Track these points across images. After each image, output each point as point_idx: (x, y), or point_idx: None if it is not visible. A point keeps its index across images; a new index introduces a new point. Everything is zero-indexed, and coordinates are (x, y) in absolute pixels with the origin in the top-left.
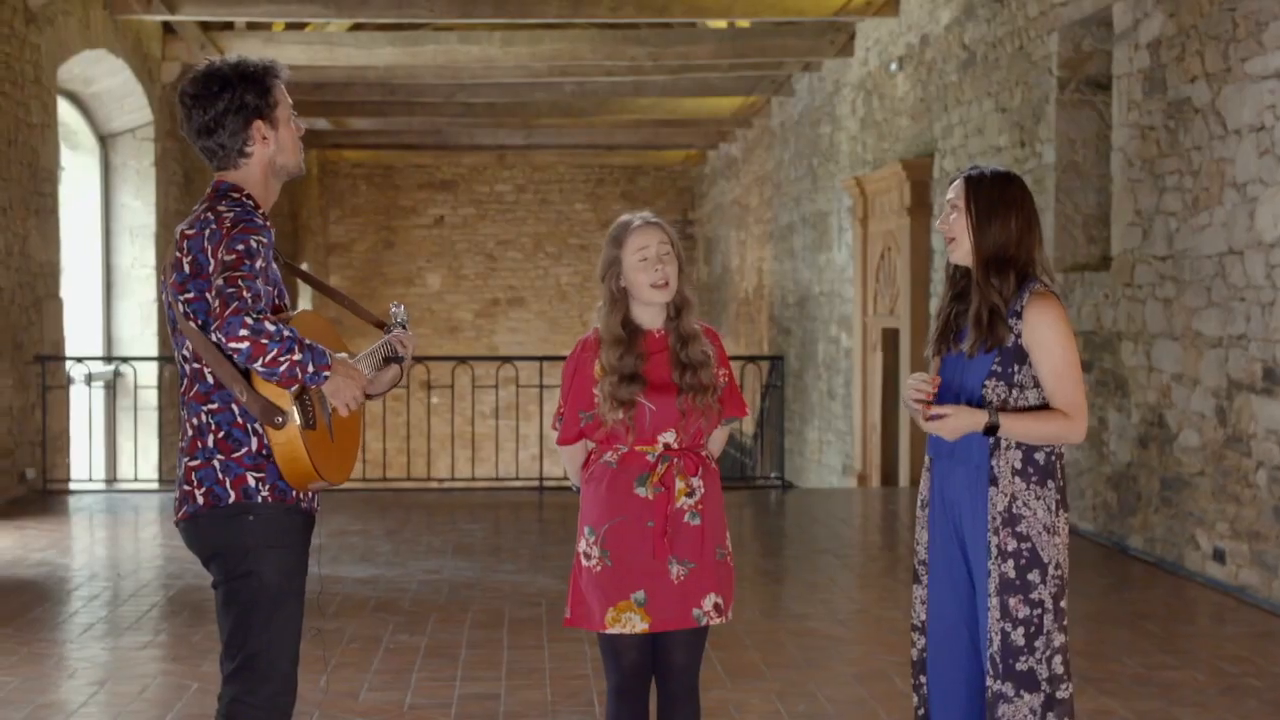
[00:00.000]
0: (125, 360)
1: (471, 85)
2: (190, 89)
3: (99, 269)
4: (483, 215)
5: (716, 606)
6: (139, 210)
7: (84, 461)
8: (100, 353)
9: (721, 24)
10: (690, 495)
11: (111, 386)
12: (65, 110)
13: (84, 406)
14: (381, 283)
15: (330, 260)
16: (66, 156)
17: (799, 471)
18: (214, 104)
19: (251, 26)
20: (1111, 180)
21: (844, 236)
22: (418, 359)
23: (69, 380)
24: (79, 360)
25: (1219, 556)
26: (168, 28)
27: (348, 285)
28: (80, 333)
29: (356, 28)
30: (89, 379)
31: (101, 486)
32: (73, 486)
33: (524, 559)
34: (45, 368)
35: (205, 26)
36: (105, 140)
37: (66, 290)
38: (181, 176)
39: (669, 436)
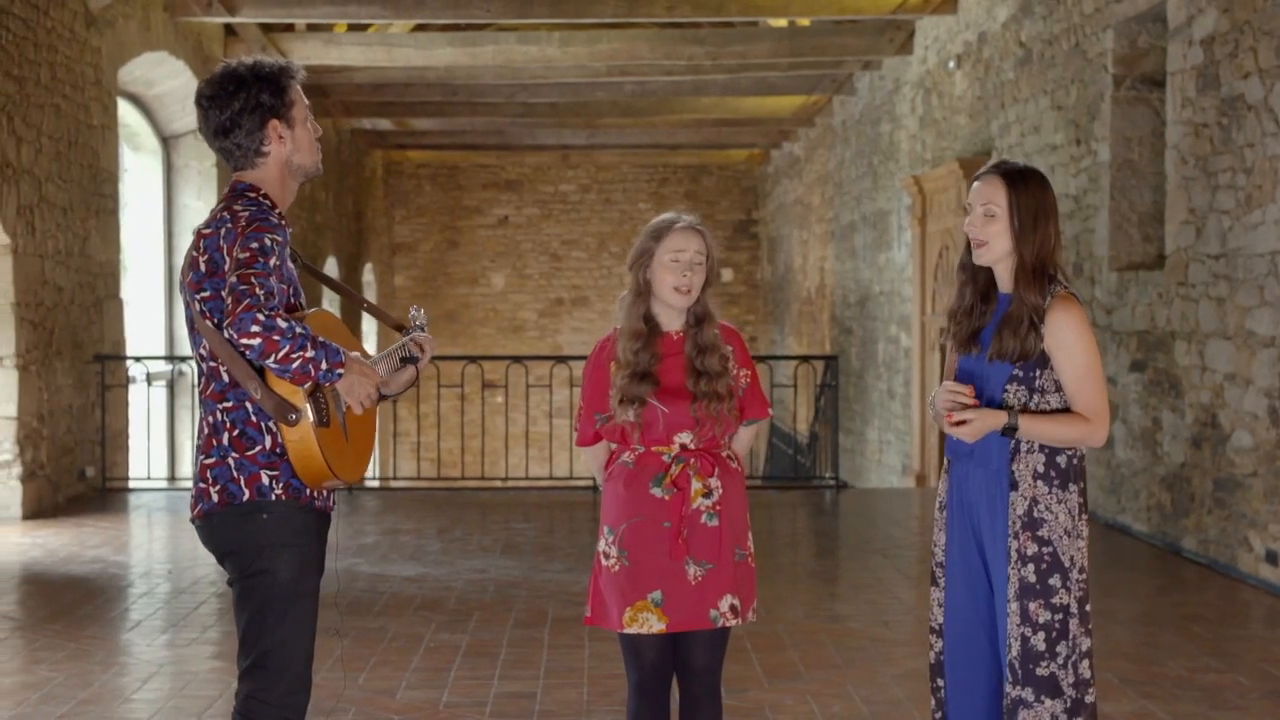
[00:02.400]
0: (185, 359)
1: (531, 85)
2: (207, 90)
3: (161, 269)
4: (547, 215)
5: (733, 608)
6: (200, 211)
7: (144, 460)
8: (163, 352)
9: (782, 23)
10: (708, 496)
11: (172, 386)
12: (127, 112)
13: (144, 405)
14: (446, 282)
15: (395, 260)
16: (129, 158)
17: (859, 471)
18: (230, 104)
19: (312, 28)
20: (1166, 178)
21: (903, 236)
22: (470, 358)
23: (129, 379)
24: (138, 359)
25: (1271, 559)
26: (229, 30)
27: (412, 285)
28: (143, 332)
29: (419, 29)
30: (149, 378)
31: (161, 485)
32: (132, 485)
33: (572, 558)
34: (105, 367)
35: (266, 28)
36: (167, 141)
37: (129, 290)
38: None
39: (685, 437)
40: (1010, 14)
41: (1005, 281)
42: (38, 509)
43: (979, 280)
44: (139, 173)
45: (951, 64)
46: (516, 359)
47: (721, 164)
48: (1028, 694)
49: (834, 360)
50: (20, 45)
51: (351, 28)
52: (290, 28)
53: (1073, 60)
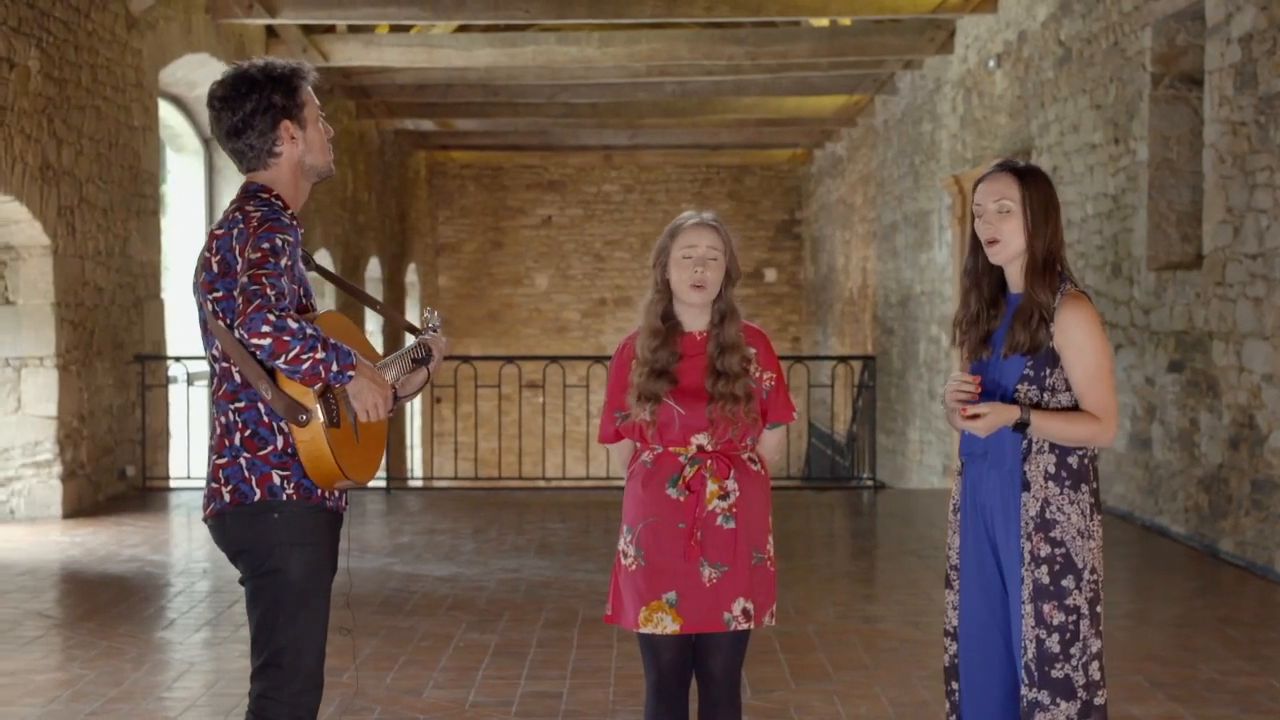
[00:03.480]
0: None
1: (573, 86)
2: (219, 91)
3: None
4: (590, 215)
5: (745, 612)
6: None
7: (184, 459)
8: (203, 353)
9: (824, 22)
10: (724, 498)
11: None
12: (170, 113)
13: (184, 405)
14: (489, 283)
15: (439, 260)
16: (171, 159)
17: (901, 472)
18: (242, 105)
19: (353, 29)
20: (1203, 177)
21: (944, 236)
22: (507, 358)
23: (169, 379)
24: (178, 359)
25: None
26: (271, 31)
27: (456, 285)
28: (183, 333)
29: (461, 29)
30: (189, 378)
31: (201, 484)
32: (172, 484)
33: (605, 558)
34: (145, 367)
35: (308, 30)
36: (209, 143)
37: (171, 291)
38: None
39: (702, 439)
40: (1050, 12)
41: (1016, 281)
42: (78, 508)
43: (984, 287)
44: (181, 174)
45: (992, 63)
46: (553, 359)
47: (764, 164)
48: (1044, 696)
49: (871, 360)
50: (61, 48)
51: (393, 29)
52: (331, 29)
53: (1111, 59)
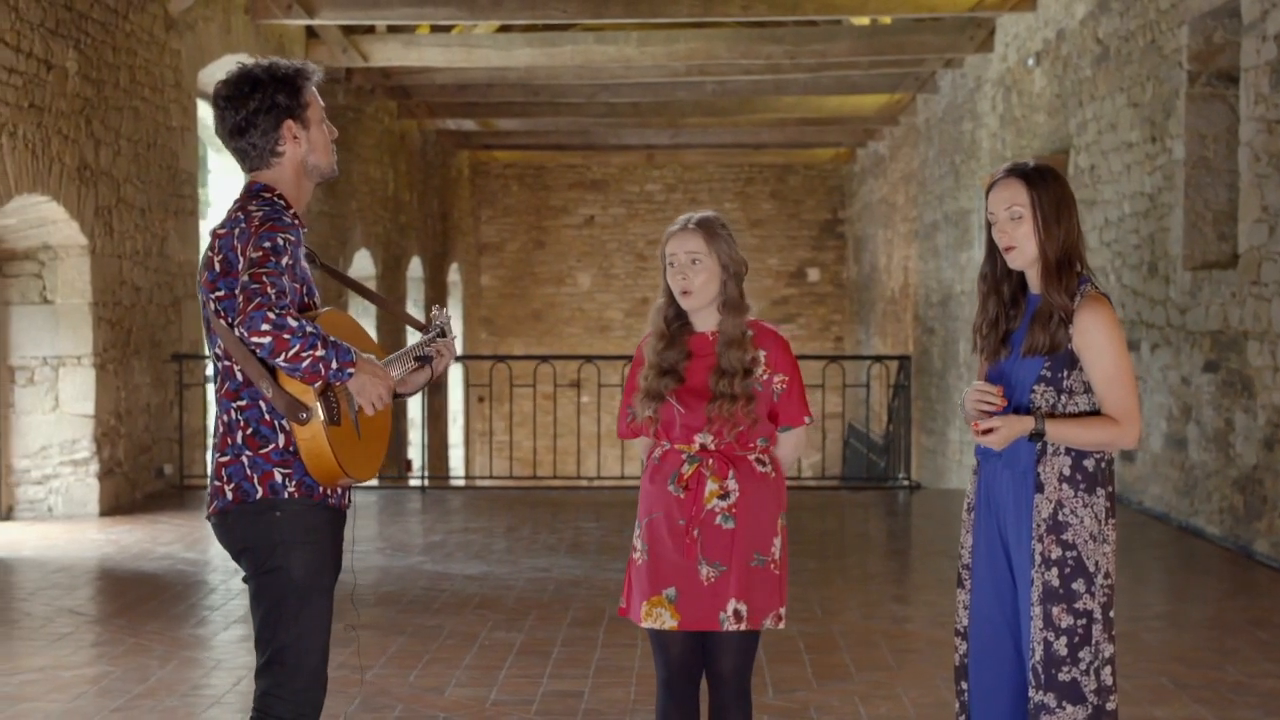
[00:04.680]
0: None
1: (612, 85)
2: (223, 90)
3: None
4: (633, 215)
5: (737, 613)
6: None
7: None
8: None
9: (864, 21)
10: (723, 498)
11: None
12: (210, 114)
13: None
14: (532, 282)
15: (482, 260)
16: (212, 159)
17: (941, 473)
18: (245, 104)
19: (393, 30)
20: (1239, 175)
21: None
22: (542, 358)
23: (206, 378)
24: None
25: None
26: (311, 32)
27: (499, 285)
28: None
29: (502, 30)
30: None
31: None
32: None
33: None
34: (183, 366)
35: (348, 30)
36: None
37: None
38: None
39: (705, 437)
40: (1088, 10)
41: (1036, 283)
42: (115, 505)
43: (1002, 290)
44: (222, 174)
45: (1031, 61)
46: (588, 358)
47: (807, 163)
48: (1050, 699)
49: (907, 360)
50: (99, 49)
51: (433, 29)
52: (371, 29)
53: (1148, 57)
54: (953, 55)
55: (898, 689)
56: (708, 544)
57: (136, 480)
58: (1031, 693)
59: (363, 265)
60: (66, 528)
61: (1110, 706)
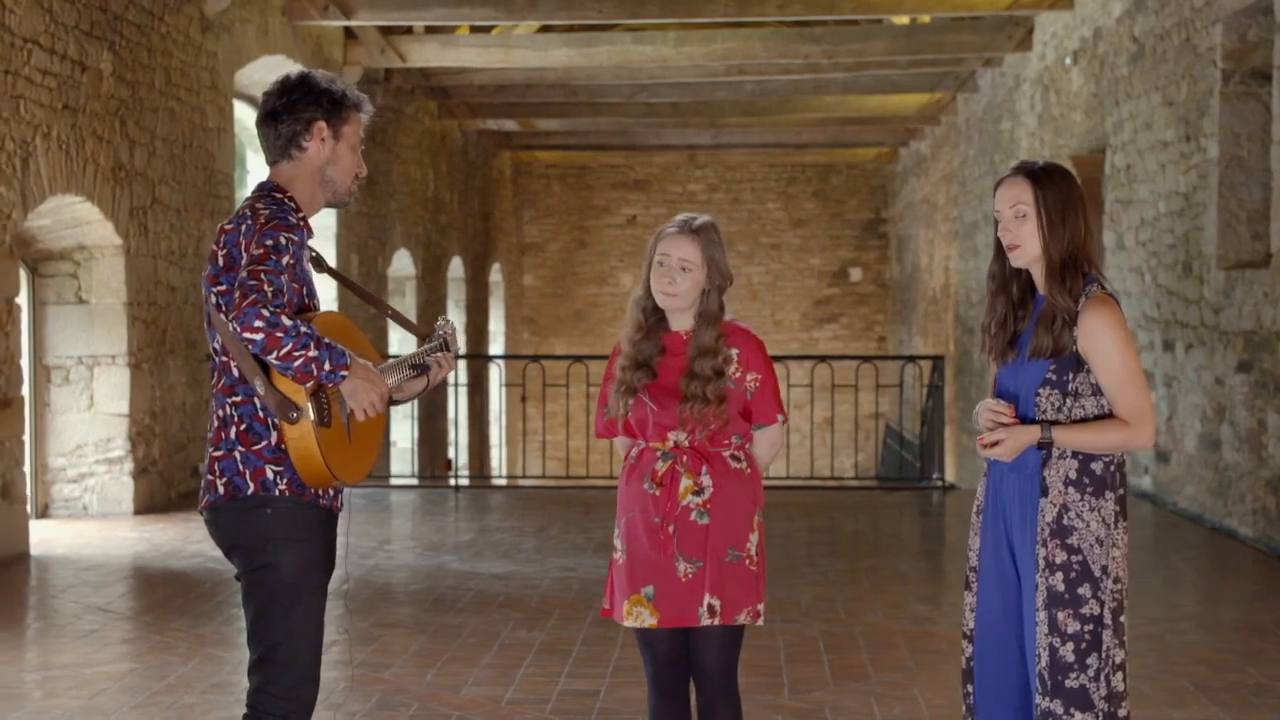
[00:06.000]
0: None
1: (651, 85)
2: (275, 84)
3: None
4: (675, 215)
5: (711, 609)
6: (321, 212)
7: None
8: None
9: (904, 20)
10: (698, 494)
11: None
12: (247, 115)
13: None
14: (574, 282)
15: (524, 260)
16: (250, 160)
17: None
18: (288, 95)
19: (430, 30)
20: (1272, 175)
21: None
22: (575, 358)
23: None
24: None
25: None
26: (349, 33)
27: (541, 285)
28: None
29: (545, 30)
30: None
31: None
32: None
33: None
34: None
35: (386, 31)
36: None
37: None
38: (364, 179)
39: (679, 435)
40: (1124, 9)
41: (1042, 283)
42: (149, 504)
43: (1011, 289)
44: (259, 174)
45: (1068, 60)
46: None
47: (850, 163)
48: (1057, 706)
49: (940, 360)
50: (134, 51)
51: (473, 29)
52: (409, 30)
53: (1183, 55)
54: (991, 54)
55: (914, 690)
56: (683, 540)
57: (171, 479)
58: (1038, 699)
59: (402, 265)
60: (101, 526)
61: (1121, 713)
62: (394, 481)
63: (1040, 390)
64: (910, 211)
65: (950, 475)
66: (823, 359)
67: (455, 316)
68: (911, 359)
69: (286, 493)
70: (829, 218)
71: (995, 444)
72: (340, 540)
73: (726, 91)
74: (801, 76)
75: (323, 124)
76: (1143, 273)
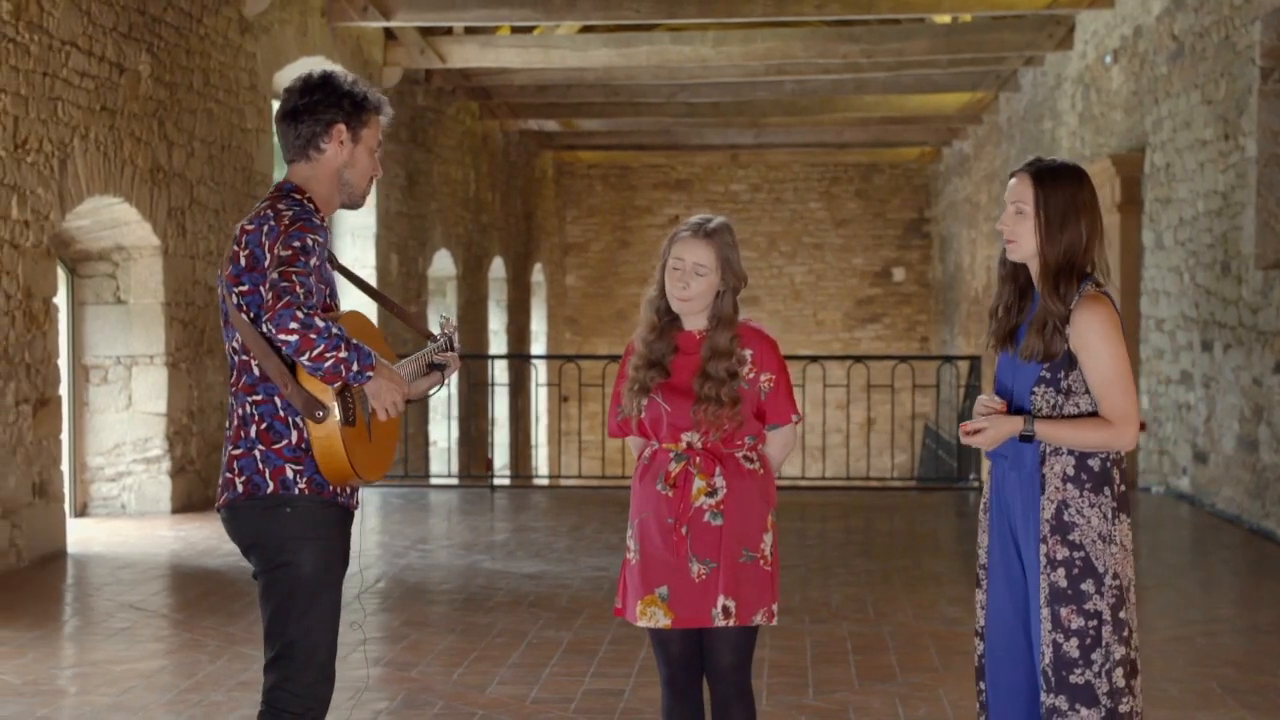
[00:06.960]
0: None
1: (691, 85)
2: (297, 81)
3: None
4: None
5: (726, 610)
6: (361, 212)
7: None
8: None
9: (946, 19)
10: (711, 495)
11: None
12: None
13: None
14: (616, 282)
15: (567, 260)
16: None
17: None
18: (310, 94)
19: (470, 31)
20: None
21: None
22: (611, 358)
23: None
24: None
25: None
26: (389, 34)
27: (583, 285)
28: None
29: (585, 30)
30: None
31: None
32: None
33: None
34: None
35: (426, 32)
36: None
37: None
38: (404, 179)
39: (692, 436)
40: (1164, 7)
41: (1039, 282)
42: (187, 503)
43: (1019, 278)
44: None
45: (1108, 58)
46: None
47: (893, 162)
48: (1061, 702)
49: (977, 360)
50: (172, 52)
51: (513, 30)
52: (448, 31)
53: (1222, 53)
54: (1033, 53)
55: (940, 691)
56: (697, 541)
57: (208, 478)
58: (1043, 696)
59: (443, 265)
60: (138, 524)
61: (1124, 709)
62: (433, 481)
63: (1035, 388)
64: (953, 211)
65: (982, 475)
66: (859, 359)
67: (496, 317)
68: (949, 359)
69: (306, 491)
70: (871, 217)
71: (977, 432)
72: (354, 537)
73: (767, 91)
74: (842, 76)
75: (342, 127)
76: (1181, 272)
